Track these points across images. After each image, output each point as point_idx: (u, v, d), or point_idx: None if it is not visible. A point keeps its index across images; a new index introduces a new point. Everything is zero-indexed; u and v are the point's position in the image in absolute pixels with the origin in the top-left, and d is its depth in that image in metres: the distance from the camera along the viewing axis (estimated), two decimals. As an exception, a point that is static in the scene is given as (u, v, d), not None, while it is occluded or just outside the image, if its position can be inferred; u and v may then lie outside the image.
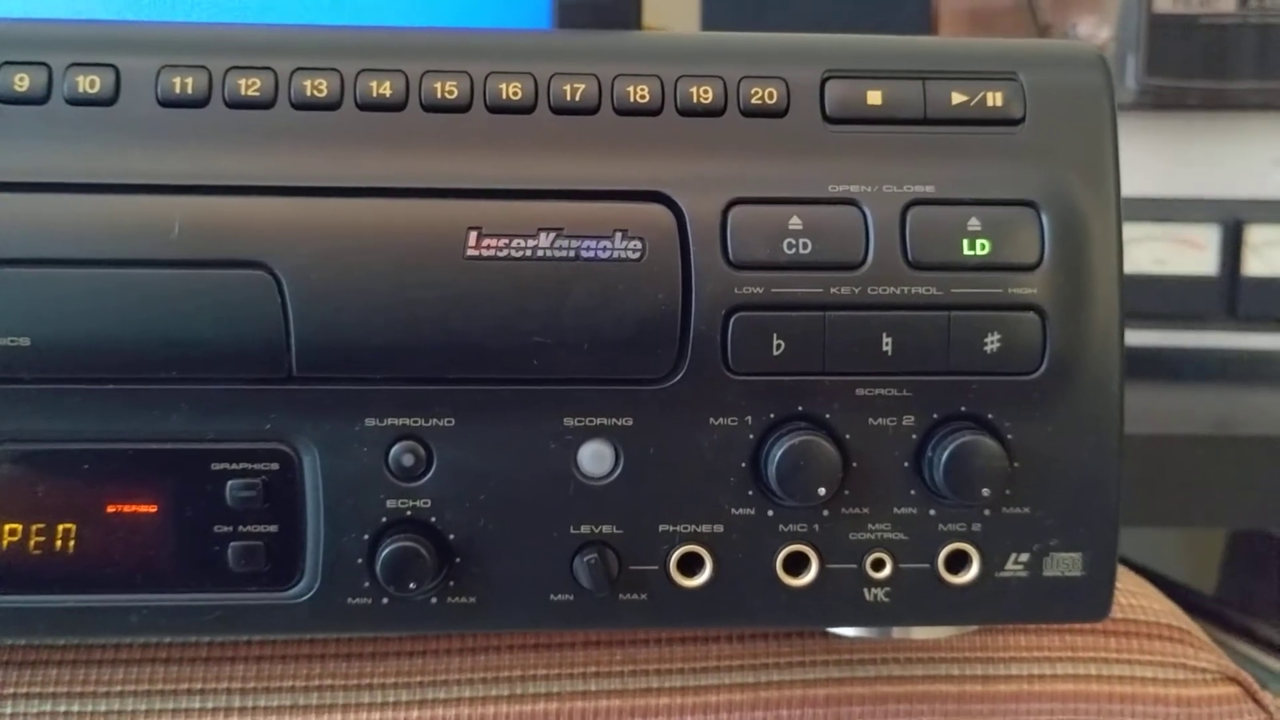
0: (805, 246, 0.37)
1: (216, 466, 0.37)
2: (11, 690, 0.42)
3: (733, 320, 0.37)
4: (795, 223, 0.37)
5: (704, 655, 0.45)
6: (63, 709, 0.42)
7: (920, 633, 0.42)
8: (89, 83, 0.36)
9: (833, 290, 0.37)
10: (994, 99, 0.39)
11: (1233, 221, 1.06)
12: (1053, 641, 0.46)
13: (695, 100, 0.38)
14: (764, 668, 0.45)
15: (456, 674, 0.44)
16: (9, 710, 0.42)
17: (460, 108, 0.37)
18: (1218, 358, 1.04)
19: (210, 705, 0.42)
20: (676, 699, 0.44)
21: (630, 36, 0.41)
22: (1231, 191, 1.06)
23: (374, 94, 0.37)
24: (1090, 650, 0.46)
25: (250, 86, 0.37)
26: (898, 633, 0.42)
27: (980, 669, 0.45)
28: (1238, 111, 1.06)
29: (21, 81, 0.36)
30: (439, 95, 0.37)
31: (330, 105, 0.37)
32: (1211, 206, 1.05)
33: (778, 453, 0.37)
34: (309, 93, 0.37)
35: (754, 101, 0.38)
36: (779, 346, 0.37)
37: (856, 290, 0.37)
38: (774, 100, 0.38)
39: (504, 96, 0.37)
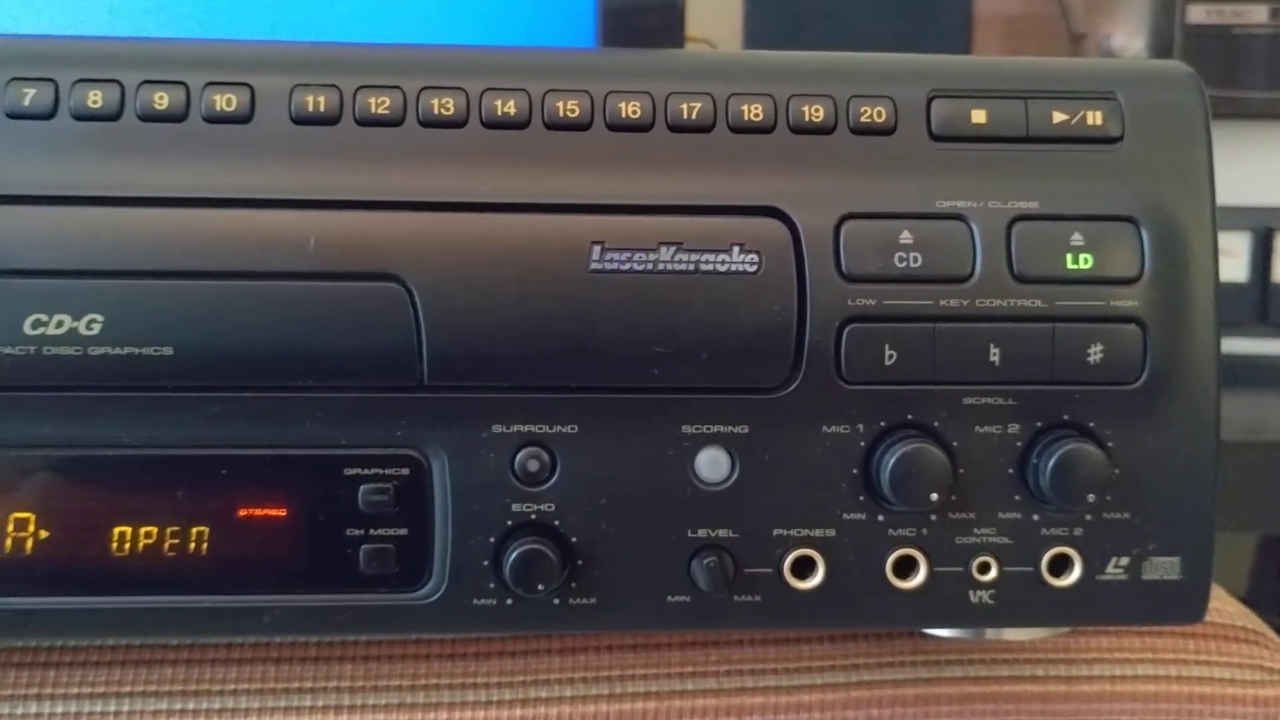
0: (915, 260, 0.38)
1: (349, 472, 0.38)
2: (129, 689, 0.43)
3: (846, 331, 0.38)
4: (906, 237, 0.38)
5: (797, 655, 0.46)
6: (179, 706, 0.43)
7: (1011, 634, 0.44)
8: (225, 101, 0.38)
9: (942, 302, 0.38)
10: (1094, 118, 0.40)
11: (1263, 229, 1.07)
12: (1133, 643, 0.47)
13: (807, 118, 0.39)
14: (855, 668, 0.46)
15: (558, 673, 0.45)
16: (128, 708, 0.43)
17: (581, 126, 0.39)
18: (1249, 363, 1.05)
19: (320, 704, 0.44)
20: (770, 698, 0.45)
21: (741, 56, 0.42)
22: (1263, 199, 1.07)
23: (499, 112, 0.38)
24: (1170, 652, 0.47)
25: (380, 105, 0.38)
26: (990, 633, 0.44)
27: (1064, 670, 0.46)
28: (1269, 121, 1.07)
29: (161, 100, 0.38)
30: (560, 114, 0.38)
31: (457, 123, 0.38)
32: (1243, 214, 1.06)
33: (890, 459, 0.38)
34: (436, 110, 0.38)
35: (863, 120, 0.39)
36: (891, 357, 0.38)
37: (965, 302, 0.38)
38: (883, 119, 0.39)
39: (623, 115, 0.39)
